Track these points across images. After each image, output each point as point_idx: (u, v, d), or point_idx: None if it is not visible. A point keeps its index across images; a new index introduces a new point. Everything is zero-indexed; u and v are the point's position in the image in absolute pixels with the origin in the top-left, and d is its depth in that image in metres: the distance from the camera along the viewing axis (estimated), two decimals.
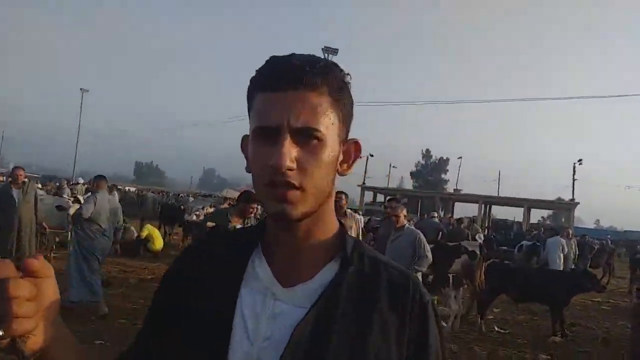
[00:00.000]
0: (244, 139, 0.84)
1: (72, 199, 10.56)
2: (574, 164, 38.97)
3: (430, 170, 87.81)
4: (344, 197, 5.92)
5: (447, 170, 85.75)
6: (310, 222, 0.80)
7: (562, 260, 10.94)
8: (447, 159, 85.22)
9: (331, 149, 0.77)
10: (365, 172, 47.86)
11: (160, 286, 0.90)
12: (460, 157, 56.22)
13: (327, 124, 0.76)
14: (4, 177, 14.70)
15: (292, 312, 0.77)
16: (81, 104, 38.16)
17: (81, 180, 15.17)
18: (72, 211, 8.36)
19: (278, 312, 0.77)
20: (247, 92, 0.80)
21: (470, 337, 6.83)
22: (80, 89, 39.54)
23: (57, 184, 18.07)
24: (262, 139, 0.76)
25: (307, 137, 0.75)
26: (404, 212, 5.85)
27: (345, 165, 0.84)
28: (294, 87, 0.74)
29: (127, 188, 35.13)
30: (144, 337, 0.88)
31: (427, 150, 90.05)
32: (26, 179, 7.53)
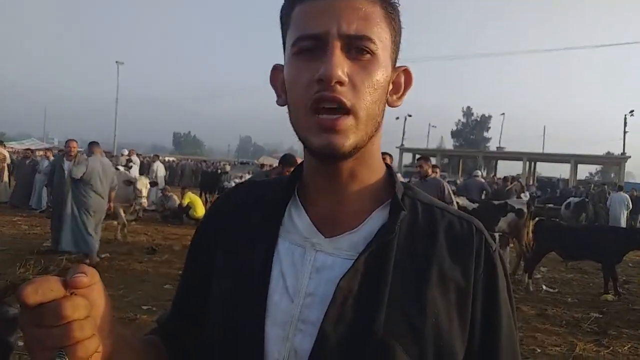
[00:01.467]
0: (275, 69, 0.74)
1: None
2: (625, 115, 38.00)
3: (472, 129, 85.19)
4: (387, 158, 5.64)
5: (489, 128, 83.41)
6: (356, 161, 0.69)
7: (625, 217, 10.58)
8: (489, 116, 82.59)
9: (384, 69, 0.66)
10: (403, 133, 47.13)
11: (192, 242, 0.83)
12: (503, 114, 54.37)
13: (382, 37, 0.66)
14: (44, 152, 15.32)
15: (338, 264, 0.67)
16: (117, 77, 38.77)
17: (125, 152, 15.80)
18: (139, 184, 8.85)
19: (321, 264, 0.68)
20: (281, 10, 0.69)
21: (518, 297, 6.63)
22: (116, 61, 39.99)
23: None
24: (305, 54, 0.65)
25: (360, 50, 0.64)
26: (429, 165, 6.34)
27: (395, 97, 0.72)
28: None
29: (166, 158, 35.96)
30: (179, 300, 0.83)
31: (468, 108, 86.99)
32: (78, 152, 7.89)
